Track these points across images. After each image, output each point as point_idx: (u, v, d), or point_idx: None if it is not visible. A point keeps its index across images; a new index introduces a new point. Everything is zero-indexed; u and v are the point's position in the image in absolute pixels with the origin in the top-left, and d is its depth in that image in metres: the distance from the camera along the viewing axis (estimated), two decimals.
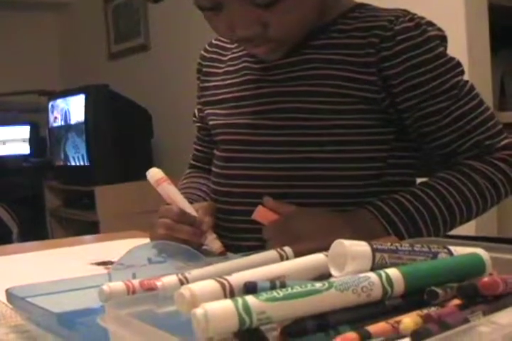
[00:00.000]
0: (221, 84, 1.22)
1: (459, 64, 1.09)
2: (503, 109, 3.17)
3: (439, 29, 1.10)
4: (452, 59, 1.08)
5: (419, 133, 1.09)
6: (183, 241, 1.03)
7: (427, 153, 1.13)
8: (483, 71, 2.47)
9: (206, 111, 1.25)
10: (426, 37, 1.05)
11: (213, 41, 1.30)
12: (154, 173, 1.09)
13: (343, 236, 0.85)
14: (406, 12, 1.08)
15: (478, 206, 1.05)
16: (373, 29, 1.06)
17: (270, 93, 1.13)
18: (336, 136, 1.07)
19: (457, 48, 2.40)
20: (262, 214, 1.02)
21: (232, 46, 1.23)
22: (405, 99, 1.06)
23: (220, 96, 1.22)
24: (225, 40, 1.26)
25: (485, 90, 2.42)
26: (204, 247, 1.07)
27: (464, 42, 2.41)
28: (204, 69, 1.29)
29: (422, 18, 1.09)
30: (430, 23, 1.09)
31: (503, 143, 1.08)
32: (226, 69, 1.23)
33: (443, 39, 1.10)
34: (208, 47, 1.30)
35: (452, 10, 2.44)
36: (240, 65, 1.20)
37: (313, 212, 1.04)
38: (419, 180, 1.13)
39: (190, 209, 1.08)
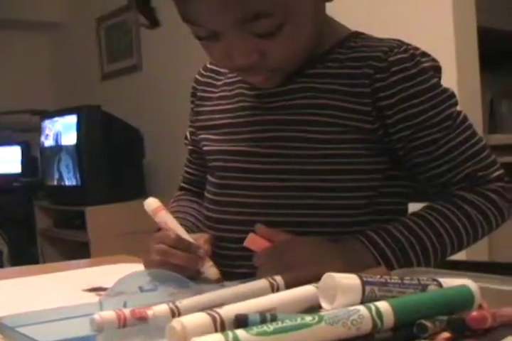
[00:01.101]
0: (215, 109, 1.22)
1: (452, 95, 1.09)
2: (493, 132, 3.19)
3: (434, 60, 1.10)
4: (446, 90, 1.09)
5: (412, 164, 1.09)
6: (178, 267, 1.02)
7: (420, 183, 1.13)
8: (472, 93, 2.48)
9: (200, 136, 1.25)
10: (420, 68, 1.06)
11: (208, 65, 1.30)
12: (151, 203, 1.09)
13: (334, 266, 0.86)
14: (400, 42, 1.09)
15: (469, 238, 1.06)
16: (368, 60, 1.07)
17: (264, 121, 1.13)
18: (329, 165, 1.08)
19: (447, 71, 2.40)
20: (253, 241, 1.02)
21: (227, 71, 1.24)
22: (399, 130, 1.06)
23: (215, 122, 1.21)
24: (216, 76, 1.26)
25: (475, 112, 2.43)
26: (202, 275, 1.07)
27: (454, 65, 2.43)
28: (198, 94, 1.29)
29: (417, 48, 1.09)
30: (424, 54, 1.09)
31: (495, 174, 1.09)
32: (220, 94, 1.23)
33: (437, 69, 1.10)
34: (202, 71, 1.30)
35: (442, 32, 2.46)
36: (235, 91, 1.20)
37: (304, 240, 1.04)
38: (416, 205, 1.14)
39: (187, 236, 1.08)
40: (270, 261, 0.99)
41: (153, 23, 1.06)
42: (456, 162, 1.07)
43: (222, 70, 1.26)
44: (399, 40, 1.10)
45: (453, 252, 1.06)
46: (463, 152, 1.07)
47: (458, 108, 1.10)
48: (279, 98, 1.13)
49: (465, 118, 1.10)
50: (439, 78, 1.10)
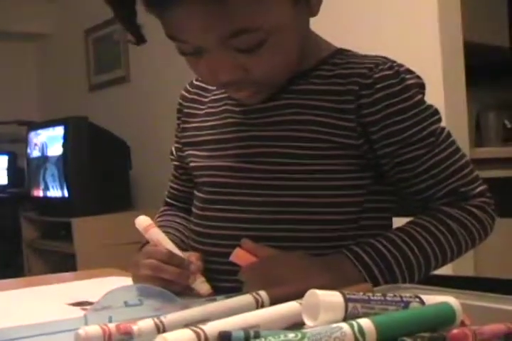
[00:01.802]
0: (202, 125, 1.23)
1: (436, 112, 1.11)
2: (479, 145, 3.21)
3: (418, 77, 1.11)
4: (430, 107, 1.10)
5: (396, 179, 1.10)
6: (168, 283, 1.03)
7: (404, 197, 1.14)
8: (459, 107, 2.50)
9: (186, 152, 1.25)
10: (404, 85, 1.07)
11: (194, 82, 1.30)
12: (142, 221, 1.10)
13: (319, 282, 0.87)
14: (385, 59, 1.10)
15: (453, 253, 1.07)
16: (353, 76, 1.08)
17: (250, 137, 1.14)
18: (314, 180, 1.08)
19: (433, 85, 2.43)
20: (239, 256, 1.02)
21: (214, 88, 1.24)
22: (383, 146, 1.07)
23: (201, 138, 1.22)
24: (202, 92, 1.27)
25: (461, 126, 2.45)
26: (192, 291, 1.07)
27: (440, 79, 2.45)
28: (185, 110, 1.29)
29: (401, 65, 1.10)
30: (409, 71, 1.10)
31: (478, 190, 1.10)
32: (207, 110, 1.24)
33: (421, 86, 1.11)
34: (189, 88, 1.31)
35: (428, 47, 2.47)
36: (221, 108, 1.20)
37: (290, 256, 1.04)
38: (400, 219, 1.15)
39: (179, 252, 1.09)
40: (255, 276, 1.00)
41: (140, 39, 1.07)
42: (440, 178, 1.08)
43: (209, 87, 1.26)
44: (384, 57, 1.11)
45: (436, 267, 1.07)
46: (446, 168, 1.08)
47: (442, 124, 1.11)
48: (264, 114, 1.13)
49: (448, 135, 1.11)
50: (423, 95, 1.11)
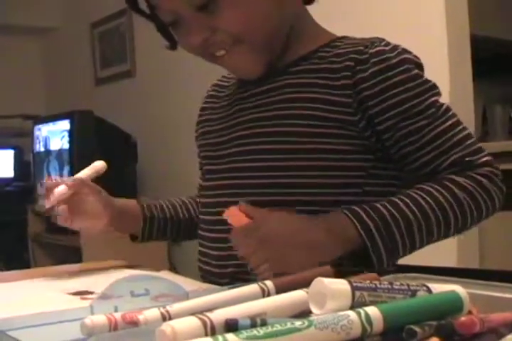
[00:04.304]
0: (213, 117, 1.28)
1: (435, 86, 1.11)
2: (485, 139, 3.20)
3: (416, 56, 1.12)
4: (428, 81, 1.10)
5: (400, 155, 1.10)
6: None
7: (410, 178, 1.13)
8: (465, 101, 2.49)
9: (199, 143, 1.32)
10: (401, 58, 1.08)
11: (216, 81, 1.36)
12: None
13: (313, 236, 0.88)
14: (383, 39, 1.12)
15: (456, 217, 1.04)
16: (349, 54, 1.10)
17: (250, 119, 1.17)
18: (313, 160, 1.09)
19: (439, 78, 2.42)
20: (233, 213, 1.01)
21: (229, 83, 1.30)
22: (384, 120, 1.08)
23: (211, 128, 1.27)
24: (219, 89, 1.32)
25: (467, 120, 2.43)
26: None
27: (447, 73, 2.44)
28: (203, 105, 1.35)
29: (399, 45, 1.12)
30: (406, 50, 1.12)
31: (483, 159, 1.08)
32: (222, 103, 1.28)
33: (419, 66, 1.12)
34: (209, 88, 1.37)
35: (435, 40, 2.46)
36: (232, 99, 1.25)
37: (285, 213, 1.04)
38: None
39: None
40: (246, 237, 0.99)
41: (174, 44, 1.17)
42: (443, 148, 1.07)
43: (225, 84, 1.32)
44: (382, 38, 1.13)
45: (439, 232, 1.04)
46: (449, 138, 1.08)
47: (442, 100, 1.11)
48: (265, 95, 1.16)
49: (448, 108, 1.11)
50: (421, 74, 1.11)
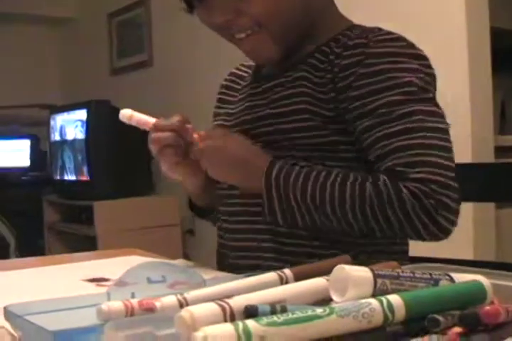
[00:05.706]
0: (232, 112, 1.29)
1: (407, 83, 1.08)
2: (504, 133, 3.18)
3: (419, 50, 1.12)
4: (407, 82, 1.08)
5: (356, 133, 1.10)
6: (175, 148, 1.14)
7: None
8: (484, 94, 2.47)
9: None
10: (371, 52, 1.09)
11: (233, 69, 1.37)
12: (124, 112, 1.24)
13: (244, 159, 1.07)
14: (379, 30, 1.13)
15: (353, 204, 1.02)
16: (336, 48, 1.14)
17: (255, 118, 1.20)
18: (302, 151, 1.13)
19: (459, 72, 2.41)
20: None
21: (247, 74, 1.32)
22: (348, 97, 1.09)
23: (229, 123, 1.28)
24: (236, 79, 1.34)
25: (486, 113, 2.42)
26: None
27: (466, 66, 2.42)
28: (219, 96, 1.38)
29: (392, 33, 1.13)
30: (401, 39, 1.12)
31: (418, 175, 1.01)
32: (240, 97, 1.29)
33: (418, 57, 1.11)
34: (226, 76, 1.38)
35: (454, 33, 2.45)
36: (248, 92, 1.26)
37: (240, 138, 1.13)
38: None
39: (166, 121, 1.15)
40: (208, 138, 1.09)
41: (191, 8, 1.17)
42: (385, 150, 1.06)
43: (244, 74, 1.34)
44: (380, 28, 1.14)
45: (334, 212, 1.04)
46: (393, 143, 1.05)
47: (443, 111, 1.10)
48: (266, 95, 1.20)
49: (423, 112, 1.06)
50: (422, 65, 1.11)
